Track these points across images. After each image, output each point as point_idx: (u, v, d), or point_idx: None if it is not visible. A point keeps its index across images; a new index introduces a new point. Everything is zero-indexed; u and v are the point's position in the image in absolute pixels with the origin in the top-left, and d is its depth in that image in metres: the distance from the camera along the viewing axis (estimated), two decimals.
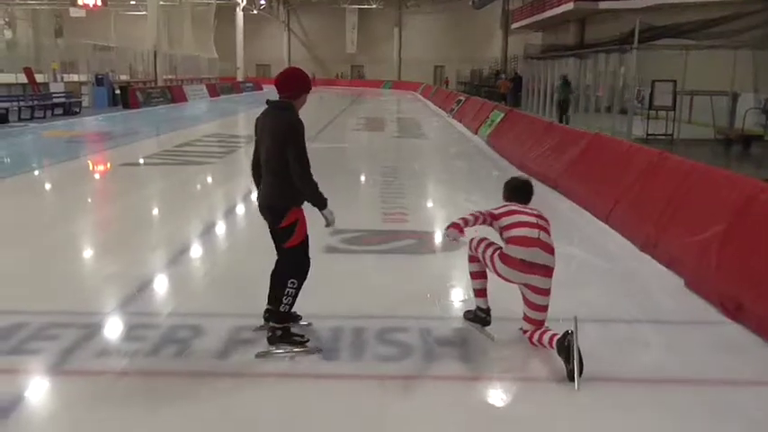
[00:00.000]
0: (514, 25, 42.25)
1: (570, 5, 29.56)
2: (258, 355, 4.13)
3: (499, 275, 4.28)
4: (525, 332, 4.27)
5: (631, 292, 5.54)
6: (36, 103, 22.13)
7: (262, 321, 4.42)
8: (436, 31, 62.19)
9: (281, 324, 4.16)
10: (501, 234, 4.30)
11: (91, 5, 34.37)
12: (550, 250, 4.20)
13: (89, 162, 13.57)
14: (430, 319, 4.83)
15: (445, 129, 22.35)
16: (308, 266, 4.20)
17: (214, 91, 39.94)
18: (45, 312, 4.77)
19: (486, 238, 4.48)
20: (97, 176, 12.33)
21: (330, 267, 5.93)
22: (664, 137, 15.50)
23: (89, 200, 9.95)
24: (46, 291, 5.34)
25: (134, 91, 28.77)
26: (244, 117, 28.46)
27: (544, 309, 4.23)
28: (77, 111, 23.82)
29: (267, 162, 4.03)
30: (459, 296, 5.40)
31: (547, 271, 4.17)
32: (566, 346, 3.89)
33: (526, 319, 4.27)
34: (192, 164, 12.77)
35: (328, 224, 4.09)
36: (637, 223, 7.04)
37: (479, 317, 4.63)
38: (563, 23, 34.67)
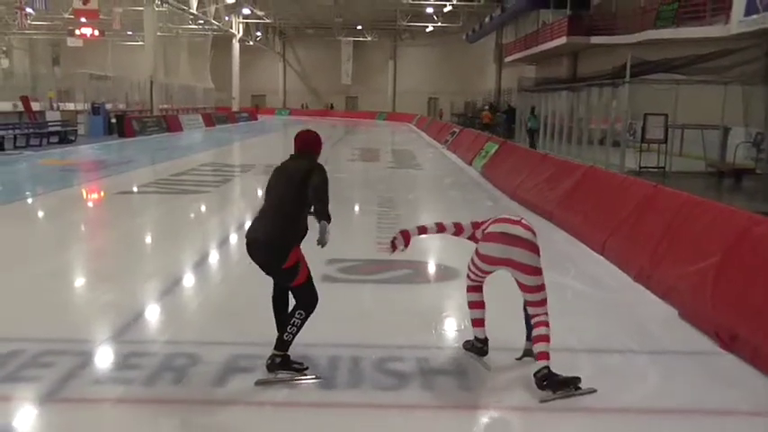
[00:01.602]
0: (508, 58, 42.78)
1: (563, 40, 29.99)
2: (258, 383, 4.14)
3: (482, 258, 4.36)
4: (532, 317, 4.25)
5: (626, 323, 5.57)
6: (32, 131, 22.22)
7: (259, 350, 4.43)
8: (431, 63, 62.85)
9: (282, 352, 4.18)
10: (481, 233, 4.45)
11: (88, 35, 34.75)
12: (530, 229, 4.28)
13: (84, 190, 13.60)
14: (427, 348, 4.84)
15: (440, 160, 22.50)
16: (317, 299, 4.24)
17: (209, 120, 40.16)
18: (40, 340, 4.76)
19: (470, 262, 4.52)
20: (92, 205, 12.34)
21: (327, 296, 5.91)
22: (656, 169, 15.65)
23: (84, 228, 9.96)
24: (41, 318, 5.34)
25: (130, 120, 28.90)
26: (239, 146, 28.61)
27: (537, 290, 4.23)
28: (73, 139, 23.91)
29: (279, 202, 4.13)
30: (454, 325, 5.42)
31: (528, 244, 4.20)
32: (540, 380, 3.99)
33: (528, 304, 4.30)
34: (188, 193, 12.81)
35: (321, 242, 3.94)
36: (631, 254, 7.10)
37: (476, 347, 4.67)
38: (556, 57, 35.13)
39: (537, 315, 4.26)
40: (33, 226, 9.75)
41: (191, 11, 39.23)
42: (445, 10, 45.51)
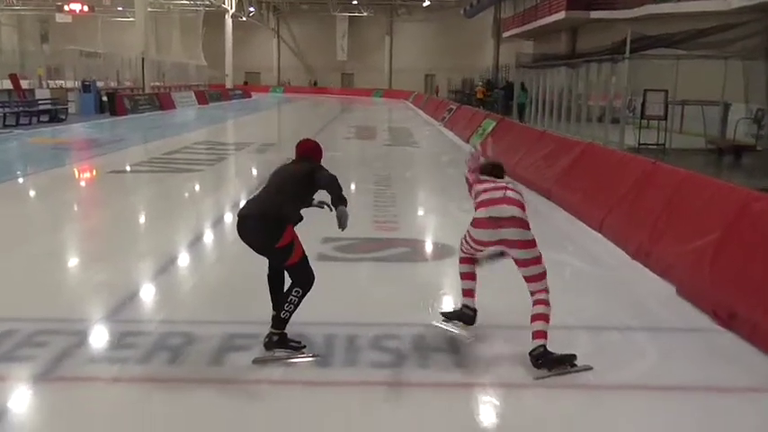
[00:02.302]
0: (506, 34, 42.61)
1: (562, 15, 29.85)
2: (255, 361, 4.17)
3: (475, 242, 4.51)
4: (532, 294, 4.30)
5: (624, 300, 5.61)
6: (21, 109, 22.07)
7: (255, 328, 4.46)
8: (427, 39, 62.51)
9: (279, 330, 4.24)
10: (474, 200, 4.61)
11: (77, 11, 34.38)
12: (516, 203, 4.37)
13: (76, 169, 13.56)
14: (423, 326, 4.87)
15: (437, 137, 22.46)
16: (313, 278, 4.27)
17: (203, 98, 39.96)
18: (34, 319, 4.78)
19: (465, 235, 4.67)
20: (84, 184, 12.31)
21: (323, 275, 5.93)
22: (655, 146, 15.64)
23: (76, 207, 9.95)
24: (35, 298, 5.35)
25: (121, 98, 28.73)
26: (232, 124, 28.50)
27: (535, 262, 4.29)
28: (63, 117, 23.77)
29: (281, 184, 4.29)
30: (451, 303, 5.45)
31: (516, 221, 4.29)
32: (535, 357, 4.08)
33: (525, 279, 4.33)
34: (181, 171, 12.78)
35: (341, 225, 4.17)
36: (630, 232, 7.12)
37: (467, 315, 4.78)
38: (555, 32, 34.96)
39: (536, 292, 4.30)
40: (25, 206, 9.73)
41: None
42: None
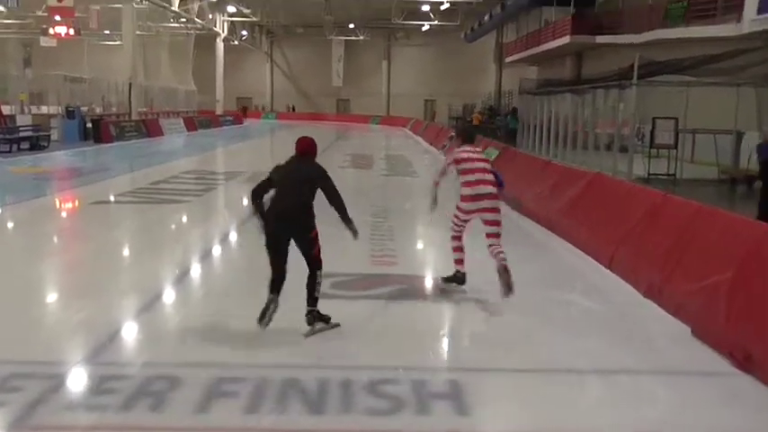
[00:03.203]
0: (508, 59, 43.03)
1: (566, 39, 30.15)
2: (307, 334, 5.27)
3: (464, 212, 6.48)
4: (490, 246, 6.39)
5: (636, 341, 5.56)
6: (2, 136, 22.12)
7: (244, 371, 4.40)
8: (426, 63, 63.03)
9: (315, 307, 5.44)
10: (459, 173, 6.45)
11: (63, 35, 34.57)
12: (492, 183, 6.37)
13: (57, 200, 13.55)
14: (423, 370, 4.81)
15: (436, 166, 22.49)
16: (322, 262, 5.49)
17: (192, 125, 40.15)
18: (8, 362, 4.71)
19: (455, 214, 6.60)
20: (66, 215, 12.29)
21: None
22: (666, 176, 15.69)
23: (57, 240, 9.90)
24: (9, 338, 5.28)
25: (107, 124, 28.84)
26: (223, 152, 28.58)
27: (499, 223, 6.43)
28: (46, 145, 23.80)
29: (298, 190, 5.37)
30: (452, 346, 5.40)
31: (492, 196, 6.37)
32: (501, 272, 6.17)
33: (489, 236, 6.42)
34: (168, 202, 12.77)
35: (355, 235, 5.55)
36: (640, 268, 7.10)
37: (458, 278, 6.68)
38: (559, 57, 35.32)
39: (496, 245, 6.37)
40: (2, 238, 9.69)
41: (172, 8, 39.22)
42: (442, 7, 45.52)
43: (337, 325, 5.53)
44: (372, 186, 16.41)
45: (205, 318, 6.02)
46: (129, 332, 5.70)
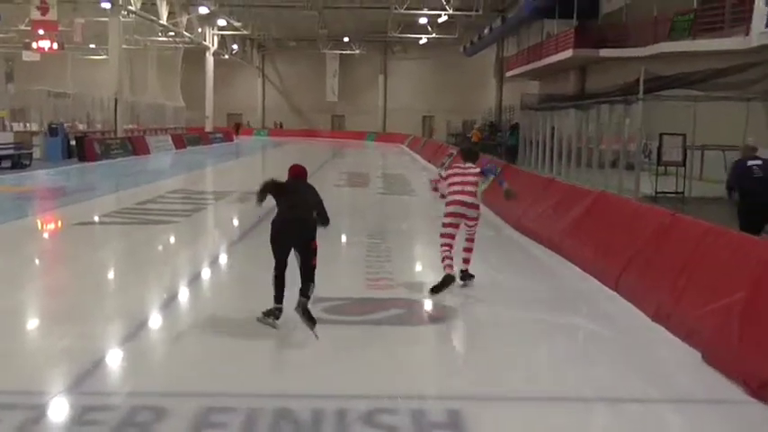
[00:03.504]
0: (509, 73, 43.24)
1: (569, 53, 30.34)
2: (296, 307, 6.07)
3: (450, 216, 7.81)
4: (464, 250, 8.06)
5: (644, 368, 5.55)
6: None
7: (234, 401, 4.37)
8: (424, 78, 63.40)
9: (308, 297, 6.11)
10: (444, 179, 8.05)
11: (46, 49, 34.75)
12: (472, 194, 7.78)
13: (39, 221, 13.53)
14: (422, 399, 4.79)
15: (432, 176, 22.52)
16: None
17: (180, 142, 40.23)
18: None
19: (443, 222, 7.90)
20: (48, 237, 12.27)
21: (310, 340, 5.90)
22: (674, 195, 15.74)
23: (39, 263, 9.88)
24: None
25: (91, 142, 28.88)
26: (212, 171, 28.61)
27: (477, 225, 8.00)
28: (28, 164, 23.82)
29: (305, 204, 6.36)
30: (454, 372, 5.38)
31: (473, 205, 7.81)
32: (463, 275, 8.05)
33: (469, 238, 8.02)
34: (155, 223, 12.76)
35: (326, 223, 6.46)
36: (648, 290, 7.10)
37: (452, 278, 7.54)
38: (562, 72, 35.51)
39: (471, 241, 8.05)
40: None
41: (160, 21, 39.48)
42: (440, 20, 45.88)
43: (316, 337, 5.97)
44: (368, 205, 16.44)
45: (193, 345, 6.00)
46: (114, 360, 5.68)
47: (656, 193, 15.72)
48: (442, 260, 7.65)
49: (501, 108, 47.81)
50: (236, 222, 13.94)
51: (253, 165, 33.99)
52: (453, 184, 7.86)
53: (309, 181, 6.71)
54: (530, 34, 39.13)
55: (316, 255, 6.24)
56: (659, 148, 16.41)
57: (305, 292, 6.15)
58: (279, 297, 6.28)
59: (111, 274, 9.21)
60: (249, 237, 11.62)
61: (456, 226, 7.84)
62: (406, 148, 48.03)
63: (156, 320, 6.87)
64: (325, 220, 6.41)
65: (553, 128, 22.36)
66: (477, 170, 7.97)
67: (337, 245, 10.83)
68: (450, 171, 8.05)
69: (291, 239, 6.24)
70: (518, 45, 43.09)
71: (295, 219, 6.25)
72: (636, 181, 16.01)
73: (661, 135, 16.45)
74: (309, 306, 6.11)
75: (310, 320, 6.08)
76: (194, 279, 8.78)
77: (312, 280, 6.18)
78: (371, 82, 66.31)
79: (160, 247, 11.12)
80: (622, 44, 27.86)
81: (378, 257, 9.75)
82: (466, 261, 8.10)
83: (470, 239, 8.04)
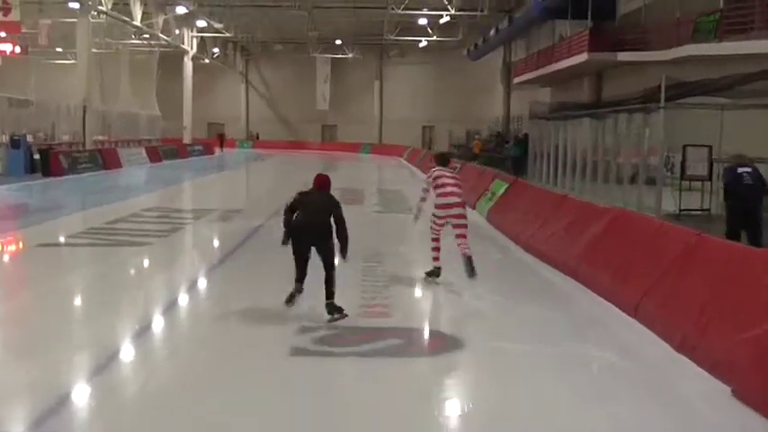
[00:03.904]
0: (517, 79, 43.40)
1: (584, 57, 30.46)
2: (330, 321, 7.47)
3: (439, 218, 9.51)
4: (459, 245, 9.44)
5: (668, 404, 5.53)
6: None
7: None
8: (424, 85, 63.59)
9: (333, 299, 7.63)
10: (435, 188, 9.60)
11: (8, 52, 34.86)
12: (458, 194, 9.53)
13: None
14: None
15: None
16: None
17: (155, 155, 40.29)
18: None
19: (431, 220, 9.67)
20: (8, 260, 12.23)
21: (296, 375, 5.89)
22: (699, 212, 15.76)
23: None
24: None
25: (57, 155, 28.88)
26: (191, 187, 28.63)
27: (465, 226, 9.54)
28: None
29: (322, 212, 7.70)
30: (458, 410, 5.35)
31: (460, 204, 9.51)
32: (465, 260, 9.33)
33: (459, 236, 9.50)
34: (127, 245, 12.74)
35: (345, 257, 7.86)
36: (672, 318, 7.10)
37: (435, 273, 9.64)
38: (575, 78, 35.68)
39: (462, 243, 9.45)
40: None
41: (133, 23, 39.62)
42: (442, 21, 46.09)
43: (346, 316, 7.65)
44: (363, 225, 16.36)
45: (169, 382, 5.98)
46: (81, 398, 5.64)
47: (680, 210, 15.74)
48: (432, 257, 9.72)
49: (509, 117, 47.95)
50: (216, 243, 13.93)
51: (235, 180, 34.02)
52: (443, 184, 9.55)
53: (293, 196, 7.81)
54: (540, 36, 39.36)
55: (333, 252, 7.73)
56: (683, 162, 16.44)
57: (329, 293, 7.69)
58: (301, 278, 7.65)
59: (77, 302, 9.18)
60: (231, 259, 11.63)
61: (442, 227, 9.63)
62: (404, 161, 48.15)
63: (127, 353, 6.83)
64: (341, 233, 7.74)
65: (566, 139, 22.42)
66: (453, 171, 10.49)
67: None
68: (435, 173, 9.74)
69: (308, 241, 7.68)
70: (527, 48, 43.33)
71: (309, 224, 7.69)
72: (657, 197, 16.04)
73: (684, 147, 16.49)
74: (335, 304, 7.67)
75: (340, 313, 7.65)
76: (171, 307, 8.76)
77: (333, 279, 7.69)
78: (366, 89, 66.62)
79: (132, 272, 11.09)
80: (642, 47, 27.98)
81: (374, 282, 9.75)
82: (466, 249, 9.48)
83: (460, 236, 9.53)
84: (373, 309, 8.30)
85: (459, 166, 27.55)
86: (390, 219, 17.88)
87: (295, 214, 7.77)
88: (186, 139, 52.09)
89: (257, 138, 67.44)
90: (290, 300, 7.65)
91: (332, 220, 7.76)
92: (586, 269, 9.78)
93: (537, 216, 13.12)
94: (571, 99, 35.43)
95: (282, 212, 7.80)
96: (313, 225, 7.71)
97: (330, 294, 7.70)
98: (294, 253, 7.67)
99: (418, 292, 9.96)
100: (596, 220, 10.47)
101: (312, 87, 66.07)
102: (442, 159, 10.60)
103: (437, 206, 9.54)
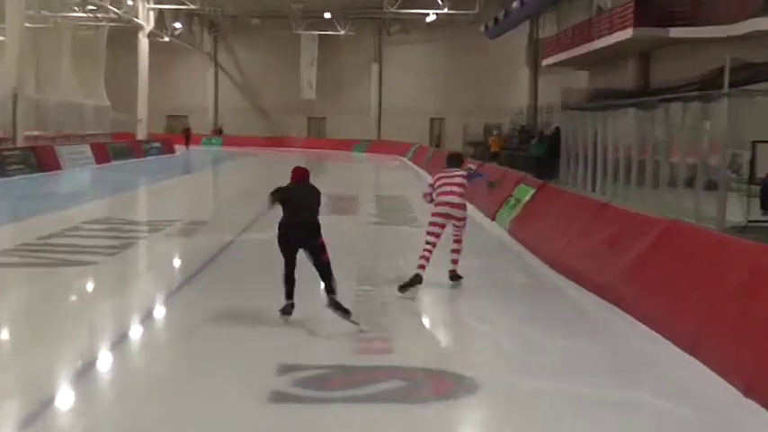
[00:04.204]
0: (546, 61, 43.43)
1: (628, 33, 30.46)
2: (328, 306, 8.71)
3: (437, 216, 10.83)
4: (456, 242, 11.13)
5: None
6: None
7: None
8: (433, 68, 63.55)
9: (335, 294, 8.67)
10: (433, 183, 11.17)
11: None
12: (458, 194, 10.80)
13: None
14: None
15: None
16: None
17: (103, 154, 40.28)
18: None
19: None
20: None
21: (276, 425, 5.85)
22: None
23: None
24: None
25: None
26: (147, 193, 28.62)
27: (464, 226, 11.06)
28: None
29: (311, 206, 8.98)
30: None
31: (459, 205, 10.81)
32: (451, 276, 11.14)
33: (456, 239, 11.07)
34: (66, 265, 12.73)
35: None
36: (739, 355, 7.06)
37: (415, 280, 10.45)
38: (618, 59, 35.72)
39: (459, 242, 11.08)
40: None
41: None
42: None
43: (356, 324, 8.61)
44: (358, 239, 16.39)
45: (118, 428, 5.94)
46: None
47: (749, 221, 15.72)
48: (420, 257, 10.64)
49: (536, 108, 47.97)
50: (177, 263, 13.89)
51: (201, 185, 34.01)
52: (441, 185, 10.98)
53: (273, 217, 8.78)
54: (573, 10, 39.49)
55: (325, 251, 8.72)
56: (752, 161, 16.44)
57: (329, 289, 8.64)
58: (290, 293, 8.76)
59: (4, 335, 9.15)
60: (195, 282, 11.57)
61: (442, 226, 10.88)
62: (407, 161, 48.23)
63: (66, 396, 6.81)
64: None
65: (606, 134, 22.42)
66: (463, 173, 11.33)
67: (315, 293, 10.76)
68: (437, 177, 11.28)
69: (297, 241, 8.69)
70: (558, 24, 43.42)
71: (298, 222, 8.75)
72: (720, 205, 16.01)
73: (754, 143, 16.48)
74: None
75: (345, 312, 8.59)
76: (121, 341, 8.70)
77: (331, 274, 8.63)
78: (362, 73, 66.77)
79: (73, 298, 11.07)
80: (700, 21, 27.97)
81: (371, 311, 9.71)
82: (454, 261, 11.18)
83: (458, 240, 11.11)
84: (371, 343, 8.27)
85: (474, 167, 27.59)
86: (391, 232, 17.87)
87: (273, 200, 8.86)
88: (141, 135, 52.13)
89: (220, 132, 67.62)
90: (284, 313, 8.74)
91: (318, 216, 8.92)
92: (631, 293, 9.74)
93: (570, 228, 13.09)
94: (613, 85, 35.44)
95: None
96: (301, 223, 8.71)
97: (330, 289, 8.65)
98: (283, 254, 8.72)
99: (425, 321, 9.95)
100: (644, 234, 10.44)
101: (296, 71, 66.23)
102: (454, 160, 11.77)
103: (436, 204, 10.96)
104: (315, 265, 8.76)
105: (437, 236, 10.83)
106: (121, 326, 9.41)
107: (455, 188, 10.85)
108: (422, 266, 10.54)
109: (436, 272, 10.64)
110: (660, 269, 9.59)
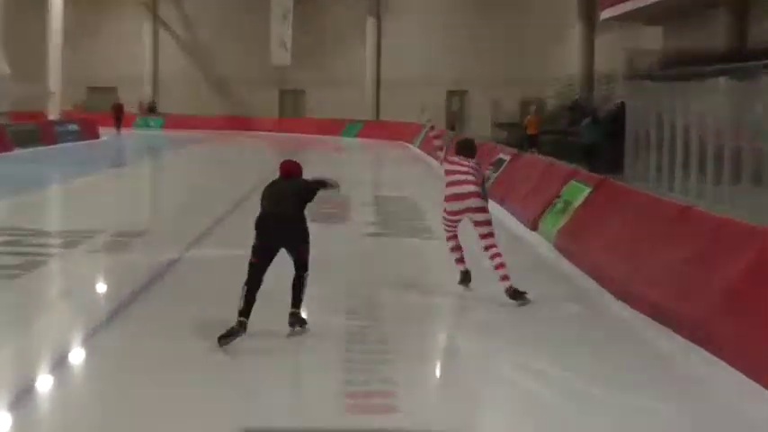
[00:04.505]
0: (605, 14, 43.51)
1: None
2: (289, 335, 9.78)
3: (449, 213, 12.39)
4: (486, 248, 12.14)
5: None
6: None
7: None
8: (451, 25, 63.68)
9: (299, 309, 10.00)
10: (445, 182, 12.68)
11: None
12: (472, 182, 12.06)
13: None
14: None
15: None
16: None
17: (1, 139, 40.33)
18: None
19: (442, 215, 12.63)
20: None
21: None
22: None
23: None
24: None
25: None
26: (61, 193, 28.60)
27: (488, 224, 12.16)
28: None
29: (293, 196, 9.98)
30: None
31: (474, 194, 12.04)
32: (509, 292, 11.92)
33: (481, 237, 12.17)
34: None
35: (337, 189, 10.94)
36: None
37: (466, 277, 12.54)
38: (704, 11, 35.76)
39: (490, 246, 12.02)
40: None
41: None
42: None
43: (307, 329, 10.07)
44: (348, 257, 16.35)
45: None
46: None
47: None
48: (455, 259, 12.78)
49: (592, 76, 48.02)
50: (101, 290, 13.82)
51: (135, 183, 34.02)
52: (449, 173, 12.44)
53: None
54: None
55: (308, 251, 10.10)
56: None
57: (296, 302, 10.03)
58: (246, 312, 9.36)
59: None
60: (124, 317, 11.50)
61: (456, 223, 12.54)
62: (415, 148, 48.21)
63: None
64: (322, 184, 10.45)
65: (688, 111, 22.42)
66: (471, 162, 12.51)
67: (294, 332, 10.73)
68: (446, 163, 12.69)
69: (276, 233, 9.82)
70: None
71: (272, 214, 9.90)
72: None
73: None
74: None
75: (303, 326, 10.09)
76: (12, 406, 8.59)
77: (306, 270, 10.07)
78: (353, 31, 66.94)
79: None
80: None
81: (367, 354, 9.73)
82: (503, 278, 11.95)
83: (491, 245, 12.12)
84: (368, 399, 8.23)
85: (507, 158, 27.59)
86: (393, 246, 17.88)
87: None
88: (53, 114, 52.23)
89: (152, 110, 67.68)
90: (228, 336, 9.15)
91: (305, 213, 10.05)
92: (728, 330, 9.67)
93: (640, 241, 13.03)
94: (696, 46, 35.48)
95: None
96: (280, 213, 9.92)
97: (297, 302, 10.02)
98: (254, 254, 9.73)
99: (439, 368, 9.89)
100: (740, 248, 10.38)
101: (265, 28, 66.37)
102: (466, 147, 13.03)
103: (446, 198, 12.43)
104: (295, 264, 10.03)
105: (455, 237, 12.57)
106: (15, 384, 9.29)
107: (461, 176, 12.19)
108: (460, 261, 12.64)
109: (451, 300, 10.59)
110: (763, 297, 9.49)
